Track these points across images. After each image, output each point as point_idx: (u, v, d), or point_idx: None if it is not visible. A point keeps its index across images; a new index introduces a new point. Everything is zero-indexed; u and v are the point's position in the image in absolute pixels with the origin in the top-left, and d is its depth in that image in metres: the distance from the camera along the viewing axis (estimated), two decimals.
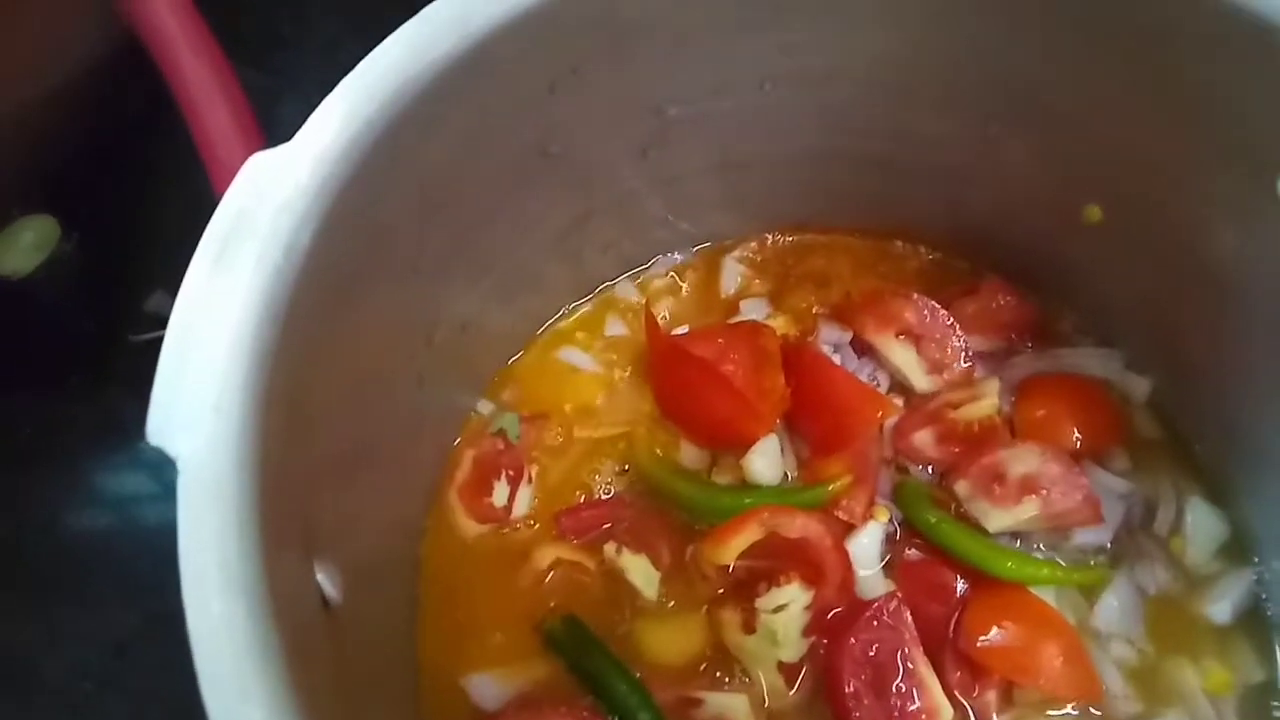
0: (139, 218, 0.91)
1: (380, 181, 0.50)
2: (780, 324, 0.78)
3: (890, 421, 0.73)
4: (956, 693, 0.65)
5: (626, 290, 0.81)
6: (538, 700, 0.63)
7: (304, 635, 0.41)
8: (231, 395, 0.41)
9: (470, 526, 0.70)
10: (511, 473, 0.72)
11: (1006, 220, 0.76)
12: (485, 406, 0.75)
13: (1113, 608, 0.68)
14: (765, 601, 0.65)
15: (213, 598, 0.37)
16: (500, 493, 0.71)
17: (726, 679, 0.65)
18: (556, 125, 0.62)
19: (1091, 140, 0.65)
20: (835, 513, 0.69)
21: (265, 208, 0.45)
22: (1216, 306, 0.66)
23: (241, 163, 0.46)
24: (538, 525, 0.71)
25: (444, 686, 0.65)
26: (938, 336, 0.75)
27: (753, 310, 0.79)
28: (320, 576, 0.45)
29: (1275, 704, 0.66)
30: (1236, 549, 0.70)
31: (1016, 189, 0.73)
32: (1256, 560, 0.70)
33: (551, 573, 0.69)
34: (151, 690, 0.72)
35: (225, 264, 0.44)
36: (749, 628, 0.65)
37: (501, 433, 0.74)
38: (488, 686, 0.65)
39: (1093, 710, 0.65)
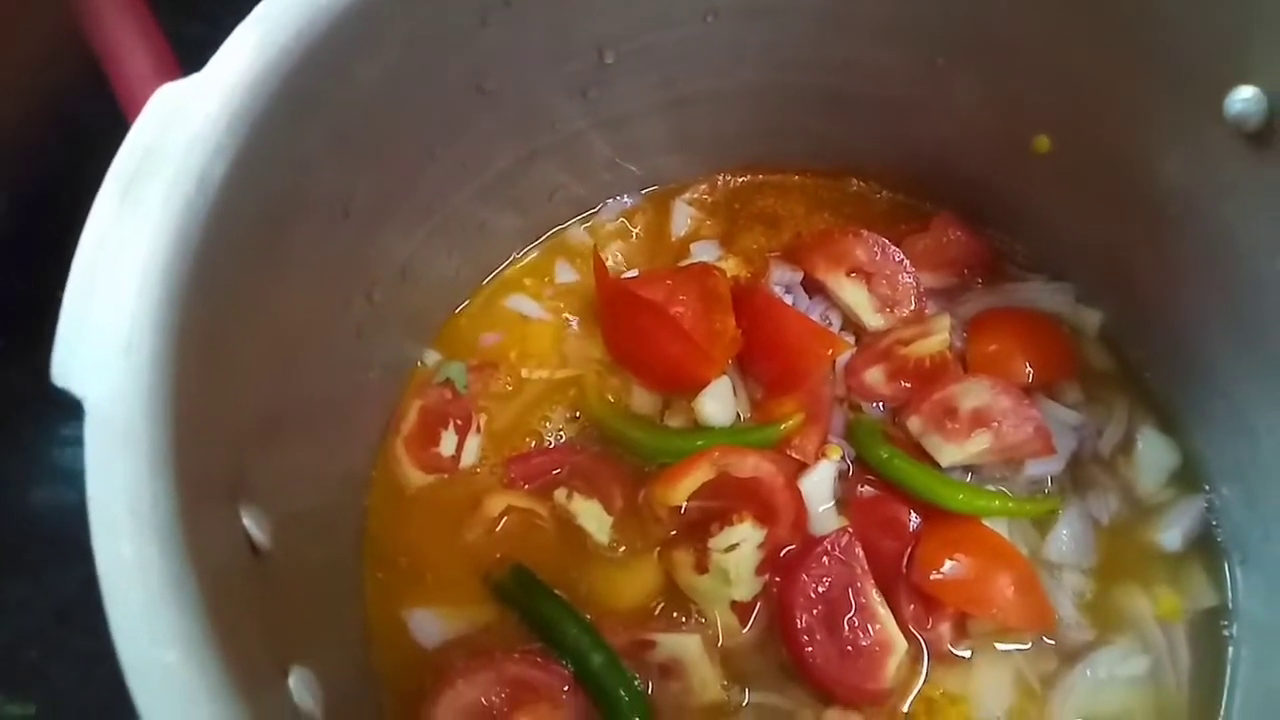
0: (69, 172, 0.88)
1: (299, 115, 0.48)
2: (731, 265, 0.77)
3: (842, 360, 0.72)
4: (911, 626, 0.65)
5: (576, 235, 0.80)
6: (489, 647, 0.63)
7: (227, 580, 0.39)
8: (141, 335, 0.39)
9: (417, 477, 0.69)
10: (459, 422, 0.71)
11: (957, 153, 0.75)
12: (431, 356, 0.74)
13: (1065, 538, 0.68)
14: (718, 541, 0.64)
15: (123, 541, 0.35)
16: (448, 442, 0.70)
17: (682, 619, 0.65)
18: (490, 59, 0.60)
19: (1038, 69, 0.64)
20: (788, 452, 0.69)
21: (175, 140, 0.43)
22: (1165, 236, 0.66)
23: None
24: (488, 474, 0.70)
25: (393, 635, 0.64)
26: (888, 273, 0.74)
27: (703, 253, 0.78)
28: (248, 523, 0.44)
29: (1225, 623, 0.67)
30: (1187, 477, 0.71)
31: (965, 121, 0.72)
32: (1207, 488, 0.70)
33: (503, 520, 0.68)
34: (95, 653, 0.70)
35: (133, 199, 0.42)
36: (701, 568, 0.64)
37: (448, 382, 0.72)
38: (429, 623, 0.64)
39: (1046, 640, 0.66)
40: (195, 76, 0.45)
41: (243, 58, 0.45)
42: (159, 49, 0.55)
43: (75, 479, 0.80)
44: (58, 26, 0.68)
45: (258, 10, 0.47)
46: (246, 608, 0.41)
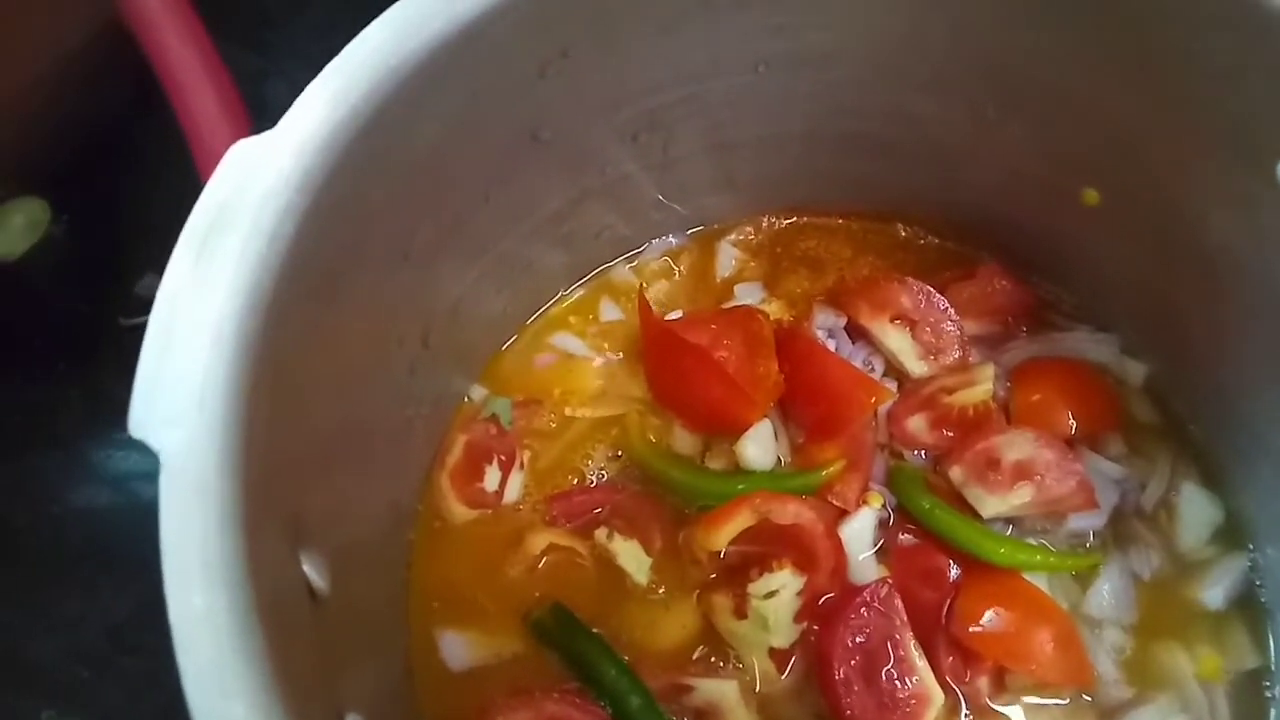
0: (129, 201, 0.91)
1: (366, 168, 0.49)
2: (775, 309, 0.78)
3: (884, 407, 0.73)
4: (948, 678, 0.65)
5: (621, 273, 0.81)
6: (529, 687, 0.63)
7: (289, 627, 0.41)
8: (215, 389, 0.41)
9: (461, 511, 0.70)
10: (503, 458, 0.72)
11: (1003, 203, 0.75)
12: (478, 392, 0.75)
13: (1105, 593, 0.68)
14: (757, 587, 0.65)
15: (195, 593, 0.36)
16: (492, 478, 0.71)
17: (720, 664, 0.66)
18: (546, 109, 0.61)
19: (1088, 122, 0.65)
20: (828, 498, 0.69)
21: (248, 198, 0.44)
22: (1213, 291, 0.65)
23: (227, 148, 0.45)
24: (530, 511, 0.71)
25: (437, 671, 0.65)
26: (932, 321, 0.74)
27: (747, 294, 0.79)
28: (307, 567, 0.45)
29: (1267, 684, 0.66)
30: (1231, 535, 0.70)
31: (1013, 171, 0.72)
32: (1250, 546, 0.70)
33: (544, 559, 0.69)
34: (148, 673, 0.73)
35: (207, 256, 0.43)
36: (740, 613, 0.65)
37: (494, 418, 0.73)
38: (458, 646, 0.65)
39: (1085, 696, 0.65)
40: (269, 134, 0.47)
41: (314, 116, 0.47)
42: (229, 97, 0.57)
43: (134, 508, 0.83)
44: (120, 53, 0.70)
45: (330, 67, 0.48)
46: (306, 654, 0.42)
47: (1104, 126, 0.64)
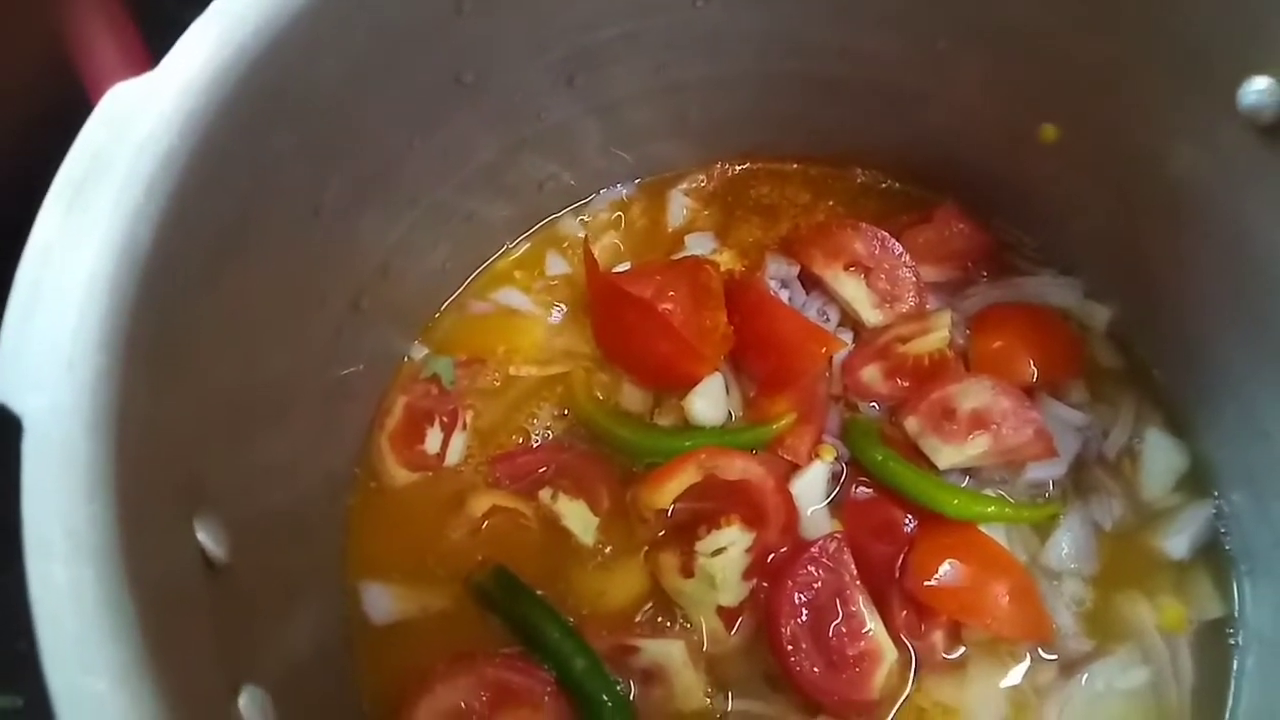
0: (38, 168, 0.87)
1: (262, 112, 0.46)
2: (726, 258, 0.75)
3: (838, 357, 0.70)
4: (903, 634, 0.63)
5: (568, 225, 0.78)
6: (470, 652, 0.62)
7: (174, 601, 0.39)
8: (85, 349, 0.38)
9: (402, 475, 0.68)
10: (445, 419, 0.69)
11: (961, 142, 0.72)
12: (418, 351, 0.72)
13: (1065, 544, 0.66)
14: (704, 545, 0.63)
15: (56, 565, 0.34)
16: (433, 439, 0.69)
17: (667, 624, 0.64)
18: (467, 49, 0.58)
19: (1044, 55, 0.61)
20: (779, 452, 0.67)
21: (125, 143, 0.41)
22: (1177, 229, 0.63)
23: None
24: (472, 472, 0.69)
25: (372, 638, 0.64)
26: (887, 268, 0.72)
27: (698, 245, 0.76)
28: (203, 537, 0.42)
29: (1230, 631, 0.64)
30: (1195, 482, 0.68)
31: (970, 108, 0.69)
32: (1216, 493, 0.68)
33: (487, 521, 0.67)
34: None
35: (80, 206, 0.40)
36: (687, 571, 0.63)
37: (435, 378, 0.71)
38: (381, 598, 0.64)
39: (1042, 650, 0.64)
40: (147, 75, 0.43)
41: (198, 56, 0.44)
42: (127, 40, 0.54)
43: None
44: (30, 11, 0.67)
45: (215, 4, 0.45)
46: (195, 628, 0.40)
47: (1060, 60, 0.61)
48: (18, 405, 0.37)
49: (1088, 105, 0.63)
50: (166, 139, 0.42)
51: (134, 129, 0.42)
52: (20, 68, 0.71)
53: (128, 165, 0.41)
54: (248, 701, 0.41)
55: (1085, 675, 0.63)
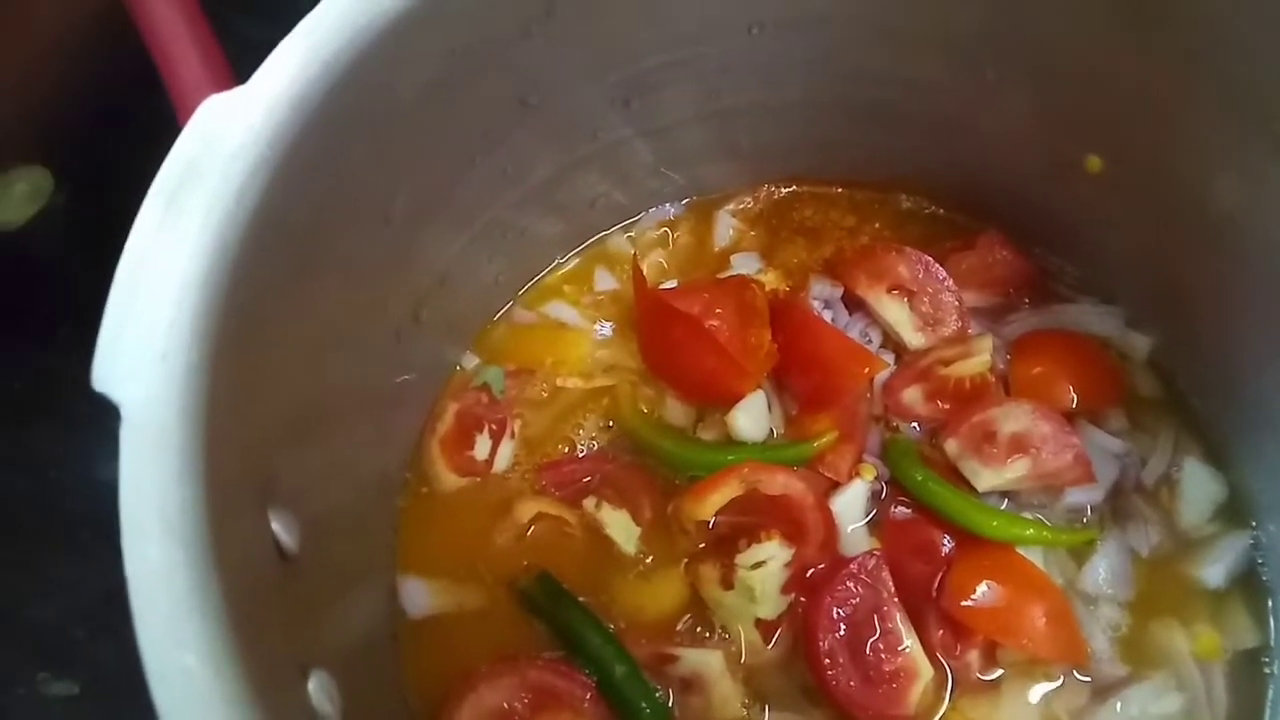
0: (130, 169, 0.90)
1: (341, 126, 0.49)
2: (771, 279, 0.77)
3: (880, 378, 0.72)
4: (939, 653, 0.64)
5: (617, 242, 0.80)
6: (514, 654, 0.63)
7: (253, 583, 0.41)
8: (178, 343, 0.40)
9: (450, 479, 0.70)
10: (494, 426, 0.71)
11: (1006, 171, 0.73)
12: (470, 360, 0.75)
13: (1102, 569, 0.67)
14: (744, 558, 0.64)
15: (151, 545, 0.36)
16: (482, 446, 0.71)
17: (706, 634, 0.65)
18: (532, 72, 0.60)
19: (1091, 87, 0.63)
20: (820, 470, 0.68)
21: (217, 153, 0.44)
22: (1218, 263, 0.64)
23: None
24: (519, 479, 0.71)
25: (423, 638, 0.65)
26: (930, 291, 0.73)
27: (743, 264, 0.78)
28: (276, 527, 0.45)
29: (1266, 660, 0.65)
30: (1233, 511, 0.69)
31: (1015, 138, 0.70)
32: (1253, 524, 0.68)
33: (532, 527, 0.68)
34: None
35: (175, 210, 0.43)
36: (727, 583, 0.64)
37: (485, 386, 0.73)
38: (418, 593, 0.66)
39: (1077, 673, 0.64)
40: (240, 89, 0.46)
41: (287, 72, 0.46)
42: (212, 56, 0.57)
43: None
44: (121, 29, 0.71)
45: (303, 25, 0.48)
46: (270, 611, 0.42)
47: (1107, 92, 0.63)
48: (116, 394, 0.39)
49: (1133, 137, 0.64)
50: (255, 149, 0.45)
51: (226, 140, 0.44)
52: None
53: (219, 174, 0.44)
54: (316, 685, 0.43)
55: (1119, 701, 0.63)
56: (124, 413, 0.39)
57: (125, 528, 0.37)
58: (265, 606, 0.41)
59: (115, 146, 0.92)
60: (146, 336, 0.40)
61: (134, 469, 0.38)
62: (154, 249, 0.42)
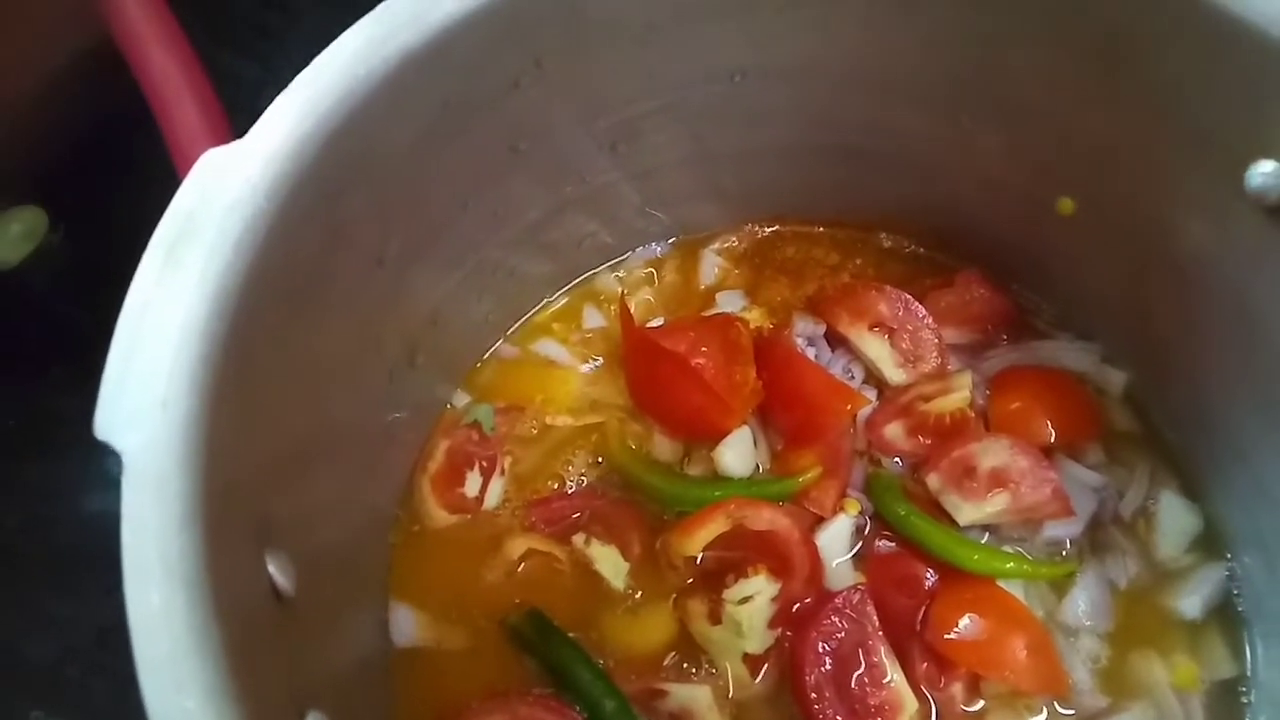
0: (124, 209, 0.92)
1: (337, 176, 0.50)
2: (755, 316, 0.78)
3: (863, 414, 0.73)
4: (923, 686, 0.65)
5: (605, 281, 0.82)
6: (504, 690, 0.64)
7: (250, 625, 0.41)
8: (178, 391, 0.42)
9: (441, 516, 0.71)
10: (484, 464, 0.73)
11: (982, 212, 0.75)
12: (460, 398, 0.76)
13: (1081, 602, 0.68)
14: (732, 593, 0.65)
15: (153, 590, 0.37)
16: (473, 483, 0.72)
17: (693, 670, 0.66)
18: (522, 120, 0.62)
19: (1062, 133, 0.65)
20: (805, 505, 0.70)
21: (216, 205, 0.46)
22: (1188, 301, 0.66)
23: None
24: (509, 516, 0.72)
25: (417, 673, 0.66)
26: (910, 329, 0.75)
27: (728, 302, 0.79)
28: (272, 569, 0.46)
29: (1243, 689, 0.66)
30: (1209, 543, 0.70)
31: (992, 181, 0.72)
32: (1228, 555, 0.70)
33: (522, 564, 0.69)
34: (133, 674, 0.73)
35: (175, 262, 0.44)
36: (715, 618, 0.65)
37: (476, 424, 0.74)
38: (405, 621, 0.67)
39: (1059, 705, 0.65)
40: (237, 143, 0.48)
41: (284, 126, 0.48)
42: (210, 106, 0.58)
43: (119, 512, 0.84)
44: (114, 68, 0.72)
45: (299, 79, 0.50)
46: (267, 653, 0.43)
47: (1077, 137, 0.65)
48: (118, 443, 0.41)
49: (1102, 180, 0.66)
50: (253, 202, 0.46)
51: (224, 192, 0.46)
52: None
53: (217, 226, 0.45)
54: None
55: None
56: (125, 460, 0.40)
57: (127, 573, 0.38)
58: (263, 648, 0.42)
59: (110, 187, 0.93)
60: (147, 386, 0.41)
61: (136, 515, 0.39)
62: (154, 300, 0.44)
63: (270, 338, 0.48)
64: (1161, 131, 0.60)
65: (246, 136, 0.48)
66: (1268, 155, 0.54)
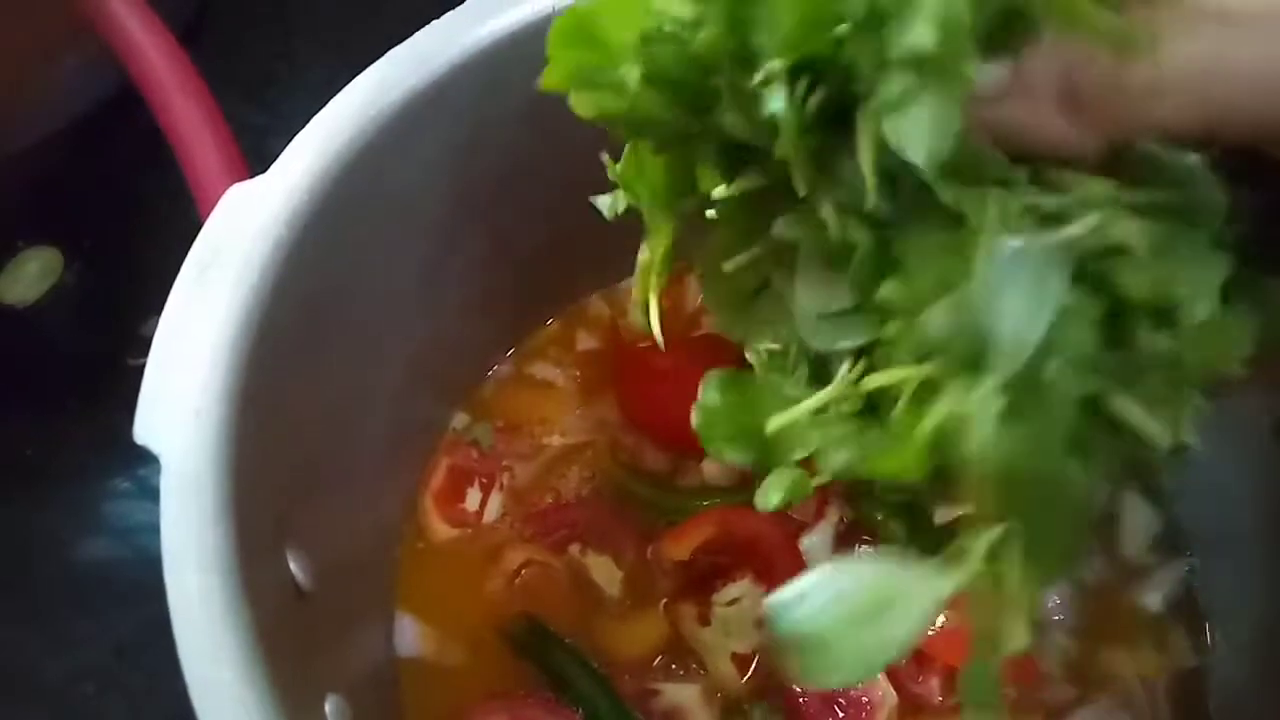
0: (137, 247, 0.97)
1: (351, 208, 0.55)
2: None
3: None
4: (902, 679, 0.69)
5: (597, 306, 0.86)
6: (506, 693, 0.68)
7: (275, 612, 0.45)
8: (211, 400, 0.46)
9: (443, 530, 0.75)
10: (484, 480, 0.77)
11: None
12: (460, 419, 0.80)
13: (1052, 597, 0.72)
14: (720, 596, 0.69)
15: (190, 574, 0.41)
16: (473, 499, 0.76)
17: (682, 670, 0.70)
18: (520, 154, 0.67)
19: None
20: (790, 512, 0.74)
21: (241, 234, 0.50)
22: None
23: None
24: (508, 528, 0.75)
25: (425, 680, 0.70)
26: None
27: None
28: (293, 565, 0.49)
29: (1204, 683, 0.70)
30: (1170, 541, 0.74)
31: None
32: (1189, 553, 0.74)
33: (521, 573, 0.73)
34: (149, 690, 0.77)
35: (205, 285, 0.49)
36: (705, 620, 0.69)
37: (475, 442, 0.78)
38: (415, 635, 0.71)
39: (1031, 696, 0.69)
40: (260, 178, 0.53)
41: (302, 162, 0.53)
42: (228, 148, 0.63)
43: (133, 533, 0.87)
44: (122, 105, 0.77)
45: (317, 119, 0.55)
46: (291, 640, 0.46)
47: None
48: (156, 446, 0.45)
49: None
50: (276, 231, 0.51)
51: (249, 223, 0.51)
52: None
53: (243, 253, 0.50)
54: (333, 709, 0.47)
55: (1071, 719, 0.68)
56: (164, 462, 0.44)
57: (167, 562, 0.42)
58: (287, 635, 0.46)
59: (124, 227, 0.98)
60: (182, 396, 0.46)
61: (173, 511, 0.43)
62: (186, 319, 0.48)
63: (291, 356, 0.53)
64: None
65: (269, 172, 0.53)
66: None
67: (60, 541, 0.84)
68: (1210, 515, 0.72)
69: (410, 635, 0.71)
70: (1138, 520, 0.75)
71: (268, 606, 0.44)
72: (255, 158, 0.78)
